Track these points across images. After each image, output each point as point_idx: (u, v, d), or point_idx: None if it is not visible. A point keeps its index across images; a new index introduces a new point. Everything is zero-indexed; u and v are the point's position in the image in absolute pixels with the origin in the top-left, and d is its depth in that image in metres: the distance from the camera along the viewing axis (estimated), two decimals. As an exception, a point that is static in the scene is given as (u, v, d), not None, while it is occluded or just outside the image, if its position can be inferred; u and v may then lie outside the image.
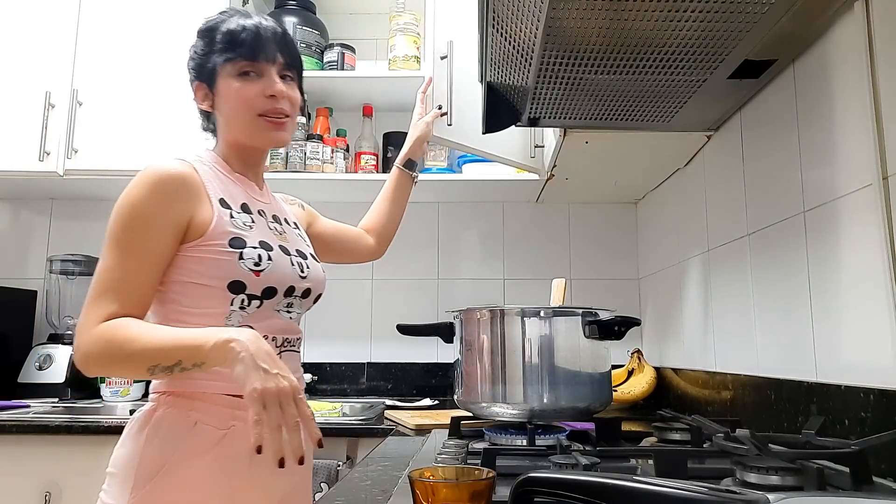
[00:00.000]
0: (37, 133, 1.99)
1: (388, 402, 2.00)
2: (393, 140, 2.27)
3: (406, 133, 2.25)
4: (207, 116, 1.17)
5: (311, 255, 1.18)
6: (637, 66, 1.13)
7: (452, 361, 1.39)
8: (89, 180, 2.08)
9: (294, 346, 1.11)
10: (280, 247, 1.08)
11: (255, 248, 1.02)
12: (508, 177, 2.04)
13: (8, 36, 2.06)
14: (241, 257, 1.00)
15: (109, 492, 0.98)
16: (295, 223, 1.23)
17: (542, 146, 1.88)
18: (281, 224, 1.15)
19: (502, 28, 1.08)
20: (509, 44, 1.12)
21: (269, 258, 1.03)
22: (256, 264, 1.01)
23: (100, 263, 0.97)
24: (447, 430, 1.30)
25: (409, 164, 1.55)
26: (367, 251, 1.49)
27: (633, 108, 1.33)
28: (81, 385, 2.11)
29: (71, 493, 1.61)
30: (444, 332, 1.36)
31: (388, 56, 2.20)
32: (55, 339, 2.14)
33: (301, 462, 0.85)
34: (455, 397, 1.33)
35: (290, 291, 1.07)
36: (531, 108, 1.34)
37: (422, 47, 2.16)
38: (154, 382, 1.02)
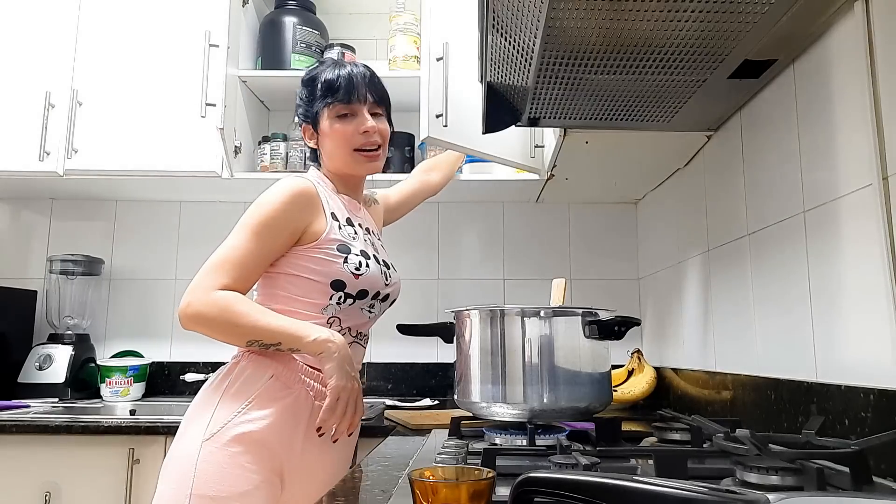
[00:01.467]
0: (37, 133, 1.99)
1: (389, 402, 2.00)
2: (393, 140, 2.26)
3: (406, 133, 2.27)
4: (314, 151, 1.38)
5: (392, 264, 1.37)
6: (637, 66, 1.13)
7: (452, 361, 1.39)
8: (89, 180, 2.08)
9: (362, 341, 1.31)
10: (374, 256, 1.28)
11: (357, 255, 1.23)
12: (508, 177, 2.04)
13: (8, 36, 2.06)
14: (345, 261, 1.21)
15: (191, 424, 1.13)
16: (379, 234, 1.42)
17: (542, 146, 1.88)
18: (373, 236, 1.36)
19: (502, 28, 1.08)
20: (509, 44, 1.12)
21: (367, 265, 1.24)
22: (357, 269, 1.22)
23: (226, 242, 1.17)
24: (447, 430, 1.30)
25: None
26: (434, 189, 1.77)
27: (633, 108, 1.33)
28: (81, 385, 2.11)
29: (71, 493, 1.61)
30: (444, 332, 1.36)
31: (388, 56, 2.20)
32: (55, 339, 2.14)
33: (348, 434, 1.17)
34: (455, 397, 1.33)
35: (376, 295, 1.27)
36: (531, 108, 1.34)
37: (422, 47, 2.16)
38: None
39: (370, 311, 1.29)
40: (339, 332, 1.21)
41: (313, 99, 1.32)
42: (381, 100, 1.34)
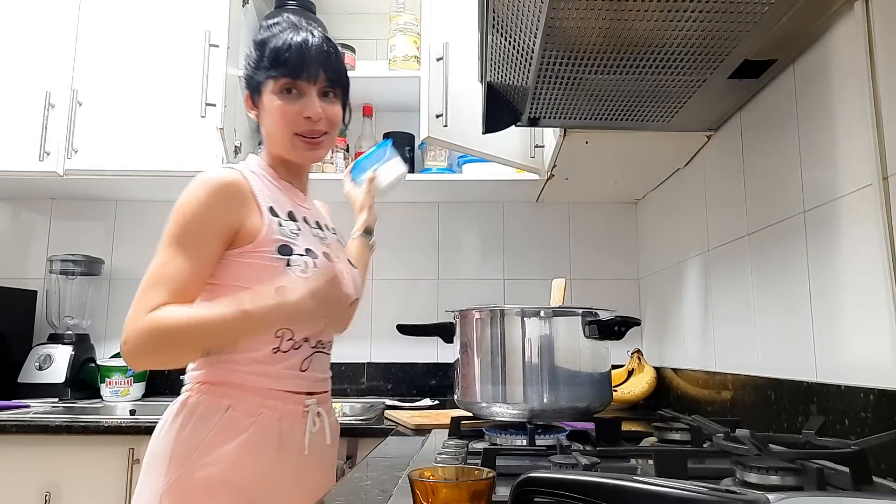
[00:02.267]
0: (37, 133, 1.99)
1: (388, 402, 2.00)
2: (393, 140, 2.27)
3: (406, 133, 2.27)
4: (256, 125, 1.22)
5: (349, 261, 1.23)
6: (637, 66, 1.13)
7: (452, 361, 1.39)
8: (89, 180, 2.08)
9: (325, 348, 1.18)
10: (324, 254, 1.14)
11: (301, 255, 1.08)
12: (508, 177, 2.04)
13: (8, 36, 2.06)
14: (288, 264, 1.06)
15: (147, 477, 1.03)
16: (333, 229, 1.28)
17: (542, 146, 1.88)
18: (323, 230, 1.21)
19: (502, 28, 1.08)
20: (509, 44, 1.12)
21: (315, 265, 1.08)
22: (303, 271, 1.06)
23: (153, 260, 1.02)
24: (447, 430, 1.30)
25: (369, 232, 1.48)
26: None
27: (633, 108, 1.33)
28: (81, 385, 2.11)
29: (71, 493, 1.61)
30: (444, 332, 1.36)
31: (388, 56, 2.20)
32: (55, 339, 2.14)
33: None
34: (455, 397, 1.33)
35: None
36: (531, 108, 1.34)
37: (422, 47, 2.16)
38: (189, 373, 1.09)
39: (326, 317, 1.15)
40: (291, 343, 1.09)
41: (259, 66, 1.14)
42: (336, 79, 1.15)
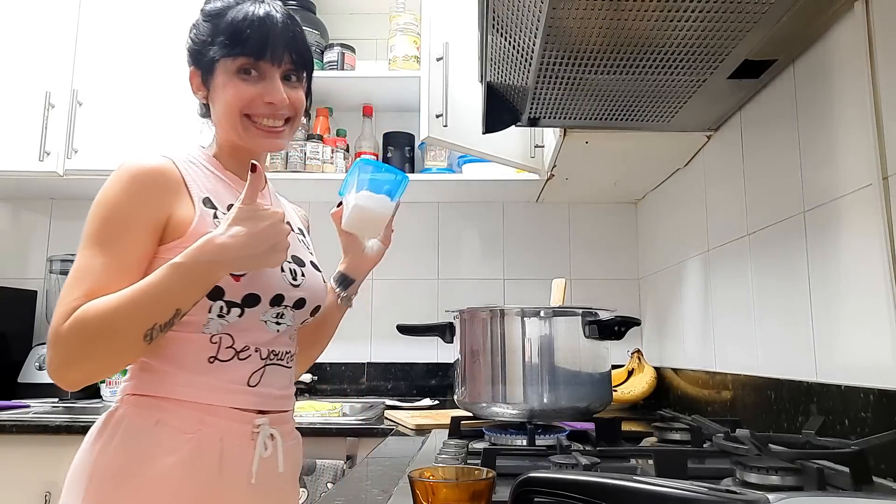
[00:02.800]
0: (37, 133, 1.99)
1: (388, 402, 2.00)
2: (393, 140, 2.27)
3: (406, 133, 2.27)
4: (206, 107, 1.07)
5: (313, 262, 1.09)
6: (637, 66, 1.13)
7: (452, 361, 1.39)
8: (89, 180, 2.07)
9: (282, 360, 1.01)
10: None
11: None
12: (508, 177, 2.04)
13: (8, 36, 2.06)
14: None
15: (66, 498, 0.90)
16: (300, 229, 1.15)
17: (542, 146, 1.88)
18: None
19: (502, 28, 1.08)
20: (509, 44, 1.12)
21: None
22: None
23: (74, 264, 0.90)
24: (447, 430, 1.30)
25: (343, 281, 1.17)
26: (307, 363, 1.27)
27: (633, 108, 1.33)
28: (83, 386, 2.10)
29: (71, 493, 1.61)
30: (444, 332, 1.36)
31: (388, 56, 2.20)
32: (55, 339, 2.14)
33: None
34: (455, 397, 1.33)
35: (277, 300, 0.97)
36: (531, 108, 1.34)
37: (422, 47, 2.16)
38: (122, 386, 0.95)
39: (277, 323, 0.99)
40: (231, 352, 0.94)
41: (212, 42, 0.99)
42: (301, 62, 1.02)
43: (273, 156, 2.11)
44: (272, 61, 0.98)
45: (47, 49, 2.05)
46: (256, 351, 0.97)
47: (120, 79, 2.04)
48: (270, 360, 0.98)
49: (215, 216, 0.95)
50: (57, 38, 2.06)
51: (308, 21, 2.23)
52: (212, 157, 1.05)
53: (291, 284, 1.00)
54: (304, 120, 2.21)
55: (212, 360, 0.93)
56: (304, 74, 1.04)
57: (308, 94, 1.07)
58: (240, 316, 0.94)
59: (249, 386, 0.95)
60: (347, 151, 2.21)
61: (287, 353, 1.02)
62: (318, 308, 1.07)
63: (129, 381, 0.94)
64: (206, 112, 1.08)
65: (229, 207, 0.97)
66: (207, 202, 0.96)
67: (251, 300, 0.95)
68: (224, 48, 0.97)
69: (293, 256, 1.03)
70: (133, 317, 0.84)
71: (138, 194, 0.91)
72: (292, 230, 1.05)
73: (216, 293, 0.91)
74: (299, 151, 2.11)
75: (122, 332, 0.84)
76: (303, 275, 1.03)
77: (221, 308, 0.93)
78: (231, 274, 0.91)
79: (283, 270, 0.99)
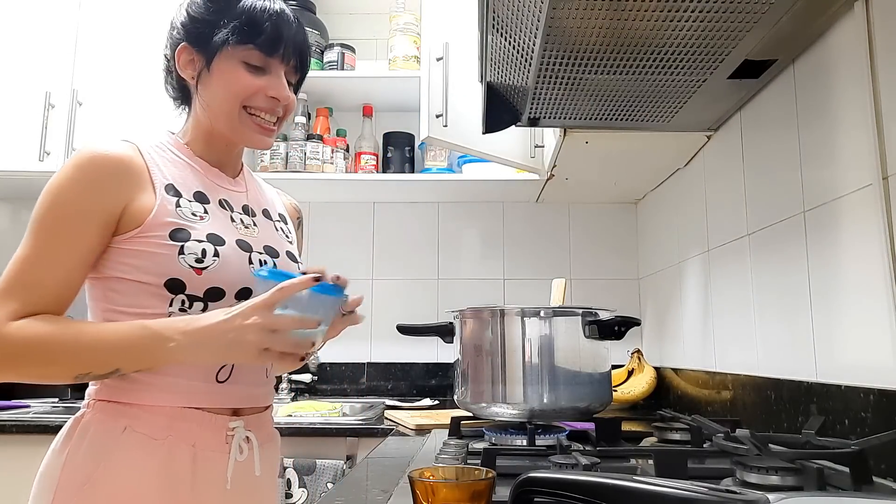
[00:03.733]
0: (37, 133, 1.99)
1: (388, 402, 2.00)
2: (393, 140, 2.27)
3: (406, 133, 2.27)
4: (181, 87, 1.01)
5: (289, 252, 1.04)
6: (637, 66, 1.13)
7: (452, 361, 1.39)
8: (89, 180, 2.08)
9: None
10: (239, 241, 0.94)
11: (200, 241, 0.89)
12: (508, 177, 2.04)
13: (8, 36, 2.06)
14: (181, 251, 0.87)
15: None
16: (281, 216, 1.10)
17: (542, 146, 1.88)
18: (252, 216, 1.02)
19: (502, 28, 1.08)
20: (509, 44, 1.12)
21: (217, 254, 0.90)
22: (199, 260, 0.88)
23: (16, 252, 0.85)
24: (447, 430, 1.30)
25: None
26: None
27: (633, 108, 1.33)
28: (81, 385, 2.10)
29: (71, 493, 1.61)
30: (444, 332, 1.36)
31: (388, 56, 2.20)
32: (55, 339, 2.14)
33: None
34: (455, 397, 1.33)
35: (244, 294, 0.91)
36: (531, 108, 1.34)
37: (422, 47, 2.17)
38: (89, 389, 0.92)
39: None
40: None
41: (220, 24, 0.94)
42: (301, 67, 1.01)
43: (273, 156, 2.11)
44: (282, 59, 0.96)
45: (47, 49, 2.05)
46: None
47: (120, 79, 2.04)
48: None
49: (178, 204, 0.91)
50: (57, 38, 2.06)
51: (308, 21, 2.23)
52: (182, 144, 1.00)
53: None
54: (304, 120, 2.23)
55: None
56: (299, 79, 1.04)
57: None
58: (203, 310, 0.89)
59: (219, 382, 0.91)
60: (347, 151, 2.21)
61: None
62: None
63: (95, 385, 0.90)
64: (180, 94, 1.03)
65: (196, 195, 0.94)
66: (170, 189, 0.91)
67: (214, 294, 0.90)
68: (239, 35, 0.93)
69: (265, 247, 0.99)
70: (66, 366, 0.82)
71: (90, 182, 0.87)
72: (275, 252, 1.01)
73: (177, 286, 0.87)
74: (299, 151, 2.11)
75: (52, 372, 0.83)
76: (274, 265, 0.99)
77: (183, 302, 0.88)
78: (192, 266, 0.88)
79: (251, 262, 0.94)
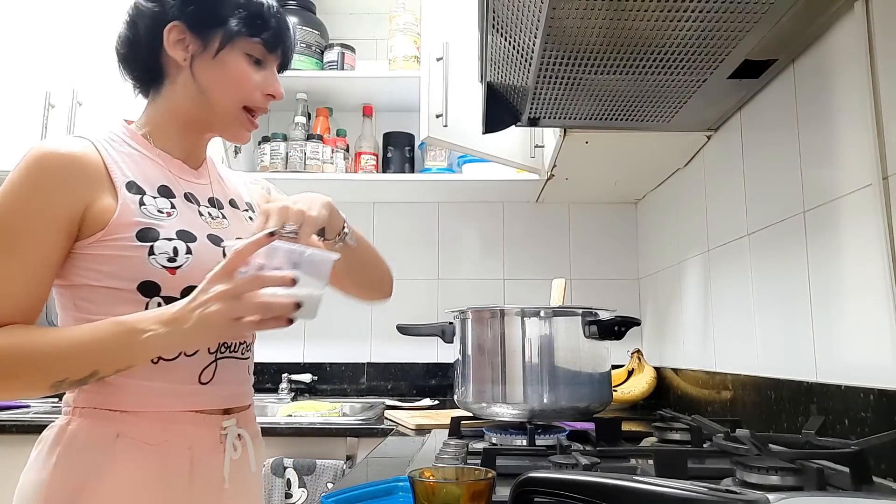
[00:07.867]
0: (37, 133, 1.99)
1: (388, 402, 2.00)
2: (393, 140, 2.27)
3: (406, 133, 2.27)
4: (156, 67, 0.96)
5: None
6: (637, 66, 1.13)
7: (452, 361, 1.39)
8: (89, 180, 2.08)
9: (236, 351, 0.94)
10: (210, 236, 0.91)
11: (170, 239, 0.85)
12: (508, 177, 2.04)
13: (8, 36, 2.06)
14: (151, 252, 0.83)
15: None
16: (249, 205, 1.06)
17: (542, 146, 1.88)
18: (220, 209, 0.98)
19: (502, 28, 1.08)
20: (509, 44, 1.12)
21: (189, 251, 0.86)
22: (171, 260, 0.84)
23: None
24: (447, 430, 1.30)
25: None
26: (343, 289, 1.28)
27: (633, 108, 1.33)
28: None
29: (71, 493, 1.61)
30: (444, 332, 1.36)
31: (388, 56, 2.20)
32: (55, 339, 2.14)
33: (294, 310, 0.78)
34: (455, 397, 1.33)
35: None
36: (531, 108, 1.34)
37: (422, 47, 2.17)
38: (67, 397, 0.87)
39: None
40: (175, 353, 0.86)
41: (225, 10, 0.91)
42: (284, 66, 1.01)
43: (273, 156, 2.11)
44: (279, 57, 0.98)
45: (47, 49, 2.05)
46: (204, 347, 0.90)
47: (120, 79, 2.03)
48: (221, 353, 0.92)
49: (142, 202, 0.86)
50: (57, 38, 2.06)
51: (308, 21, 2.23)
52: (140, 136, 0.95)
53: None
54: (304, 120, 2.23)
55: (156, 360, 0.85)
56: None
57: None
58: None
59: (201, 384, 0.89)
60: (347, 151, 2.21)
61: (242, 343, 0.95)
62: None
63: (77, 393, 0.85)
64: (148, 76, 0.98)
65: (161, 189, 0.90)
66: (132, 186, 0.87)
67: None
68: (248, 27, 0.92)
69: (237, 239, 0.90)
70: (40, 374, 0.76)
71: (45, 184, 0.81)
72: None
73: (151, 289, 0.84)
74: (299, 151, 2.11)
75: (26, 384, 0.77)
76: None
77: (159, 304, 0.84)
78: (165, 266, 0.84)
79: (225, 256, 0.85)
